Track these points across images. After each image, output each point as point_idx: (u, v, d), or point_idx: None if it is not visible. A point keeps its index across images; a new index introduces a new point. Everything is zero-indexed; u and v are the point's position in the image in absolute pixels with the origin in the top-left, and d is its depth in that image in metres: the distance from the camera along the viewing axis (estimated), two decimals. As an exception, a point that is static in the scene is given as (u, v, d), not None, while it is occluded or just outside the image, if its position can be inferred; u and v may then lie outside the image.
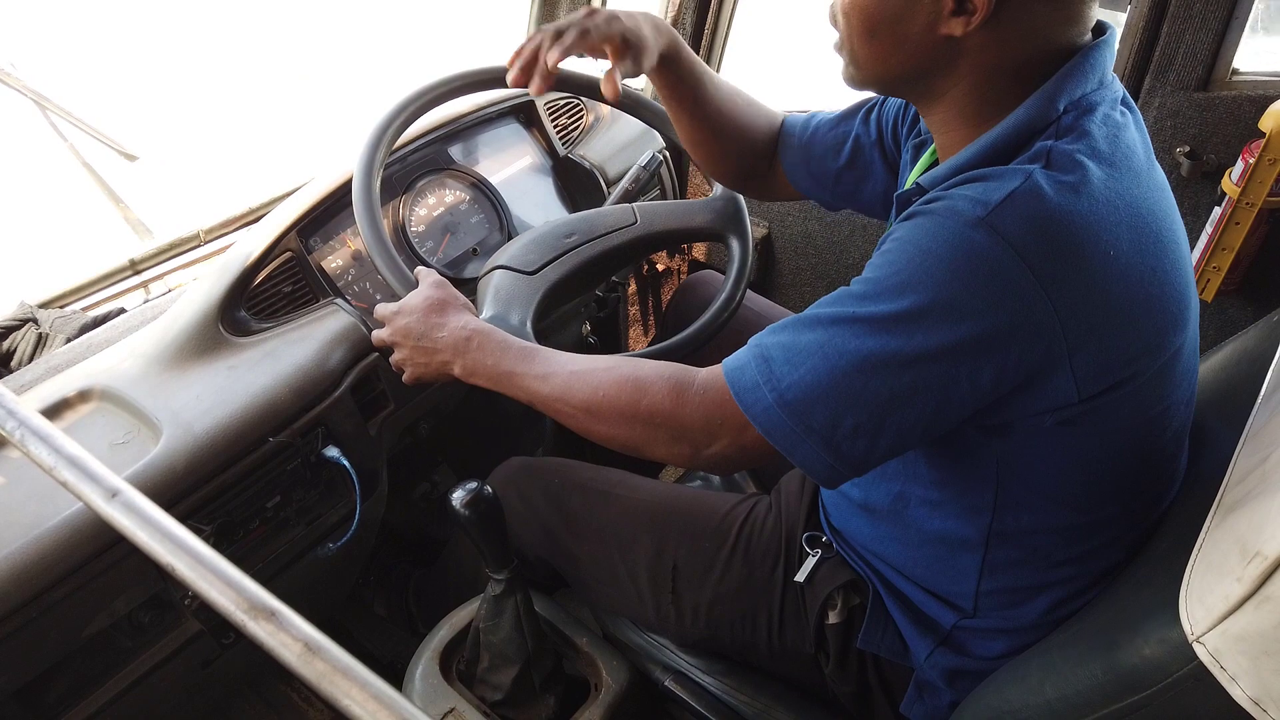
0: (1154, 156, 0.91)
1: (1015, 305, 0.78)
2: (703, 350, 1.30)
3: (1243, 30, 1.44)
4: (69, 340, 1.30)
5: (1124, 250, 0.79)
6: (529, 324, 1.22)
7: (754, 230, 1.38)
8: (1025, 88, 0.86)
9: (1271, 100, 1.40)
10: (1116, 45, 0.91)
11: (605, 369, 0.98)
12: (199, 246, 1.58)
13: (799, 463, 0.87)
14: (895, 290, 0.80)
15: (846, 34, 0.91)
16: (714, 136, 1.26)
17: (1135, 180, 0.83)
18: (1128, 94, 0.93)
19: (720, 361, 0.93)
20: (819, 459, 0.85)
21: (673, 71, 1.17)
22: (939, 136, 0.96)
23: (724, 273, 1.36)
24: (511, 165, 1.63)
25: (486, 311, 1.22)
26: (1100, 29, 0.90)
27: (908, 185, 1.07)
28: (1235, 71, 1.49)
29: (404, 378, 1.15)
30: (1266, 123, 1.37)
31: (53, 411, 1.15)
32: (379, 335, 1.17)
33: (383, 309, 1.16)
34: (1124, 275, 0.80)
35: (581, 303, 1.76)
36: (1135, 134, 0.88)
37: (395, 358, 1.15)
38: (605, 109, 1.81)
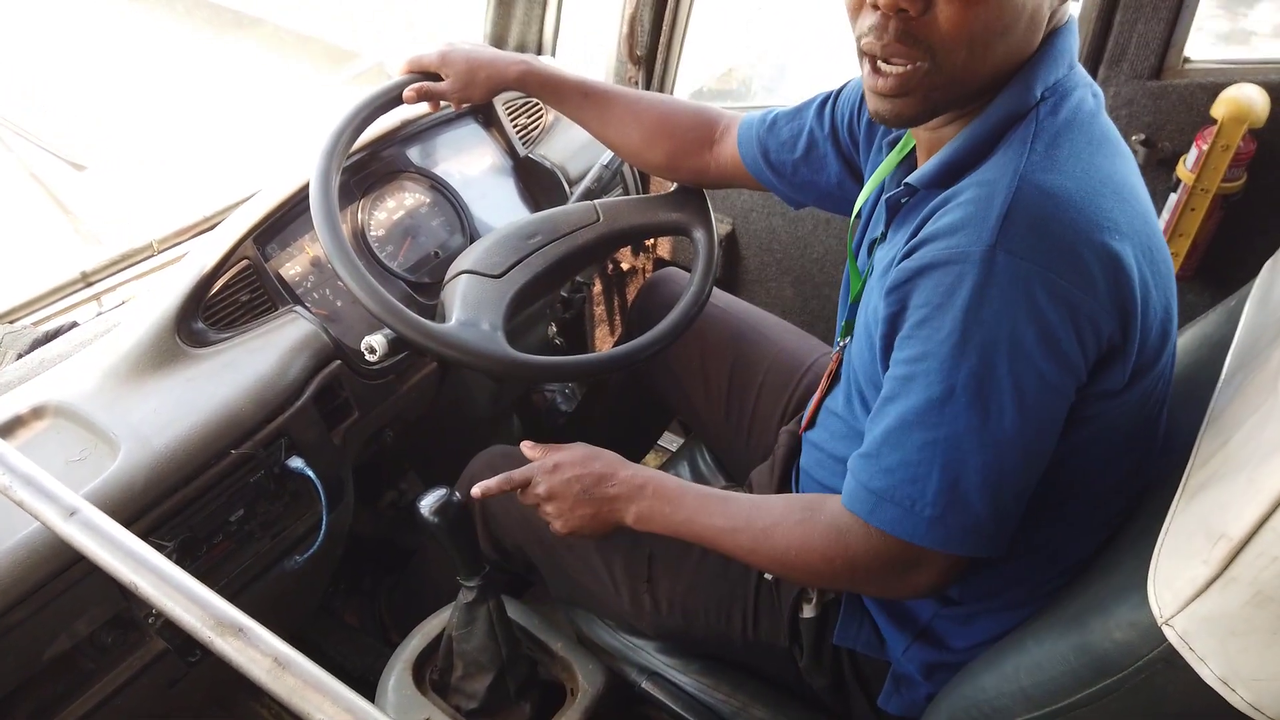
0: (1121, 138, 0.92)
1: (1068, 311, 0.78)
2: (672, 347, 1.30)
3: (1193, 19, 1.46)
4: (20, 356, 1.27)
5: (1124, 231, 0.80)
6: (500, 328, 1.20)
7: (718, 226, 1.38)
8: (1006, 75, 0.86)
9: (1222, 87, 1.42)
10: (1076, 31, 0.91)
11: (794, 523, 0.95)
12: (152, 257, 1.55)
13: (988, 555, 0.86)
14: (957, 353, 0.79)
15: (962, 42, 0.79)
16: (622, 139, 1.35)
17: (1111, 162, 0.84)
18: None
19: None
20: (998, 540, 0.85)
21: (543, 96, 1.37)
22: (925, 133, 0.95)
23: (689, 269, 1.36)
24: (471, 166, 1.62)
25: (456, 317, 1.21)
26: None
27: (875, 182, 1.07)
28: (1187, 60, 1.51)
29: (557, 528, 1.11)
30: (1218, 109, 1.39)
31: (5, 429, 1.12)
32: (538, 492, 1.10)
33: (537, 465, 1.11)
34: (1133, 253, 0.80)
35: (547, 304, 1.75)
36: (1107, 117, 0.89)
37: (550, 509, 1.10)
38: (551, 113, 1.79)
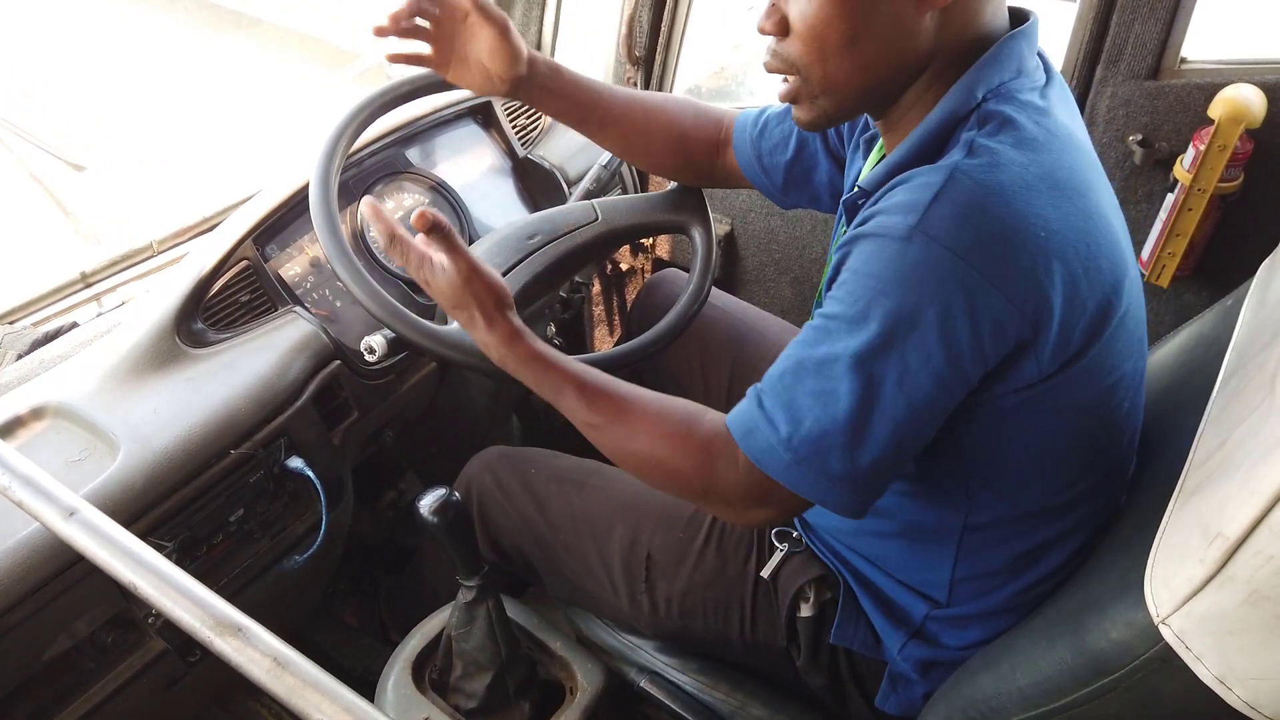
0: (1087, 139, 0.93)
1: (971, 304, 0.79)
2: (671, 347, 1.30)
3: (1190, 19, 1.46)
4: (20, 356, 1.27)
5: (1054, 228, 0.81)
6: None
7: (716, 226, 1.38)
8: (899, 77, 0.89)
9: (1219, 88, 1.42)
10: (1038, 36, 0.92)
11: (663, 434, 0.95)
12: (152, 257, 1.55)
13: (832, 508, 0.88)
14: (860, 319, 0.82)
15: (816, 57, 0.87)
16: (627, 141, 1.29)
17: (1057, 160, 0.84)
18: (1064, 83, 0.95)
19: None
20: (847, 500, 0.87)
21: (537, 94, 1.21)
22: (887, 136, 0.97)
23: (688, 269, 1.36)
24: (470, 167, 1.62)
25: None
26: (1023, 17, 0.92)
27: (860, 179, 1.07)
28: (1184, 60, 1.51)
29: (432, 282, 1.00)
30: (1215, 110, 1.40)
31: (5, 430, 1.12)
32: (428, 278, 0.99)
33: (449, 266, 0.98)
34: (1061, 252, 0.81)
35: (546, 304, 1.75)
36: (1063, 118, 0.89)
37: (430, 289, 1.00)
38: None
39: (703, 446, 0.93)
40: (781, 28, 0.88)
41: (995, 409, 0.88)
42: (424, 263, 0.99)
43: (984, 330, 0.80)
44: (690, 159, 1.32)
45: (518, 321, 1.01)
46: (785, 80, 0.92)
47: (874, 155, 1.06)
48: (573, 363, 1.01)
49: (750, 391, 0.91)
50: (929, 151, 0.88)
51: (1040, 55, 0.93)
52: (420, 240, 0.99)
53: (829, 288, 0.89)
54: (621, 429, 0.97)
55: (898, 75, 0.89)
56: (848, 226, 0.99)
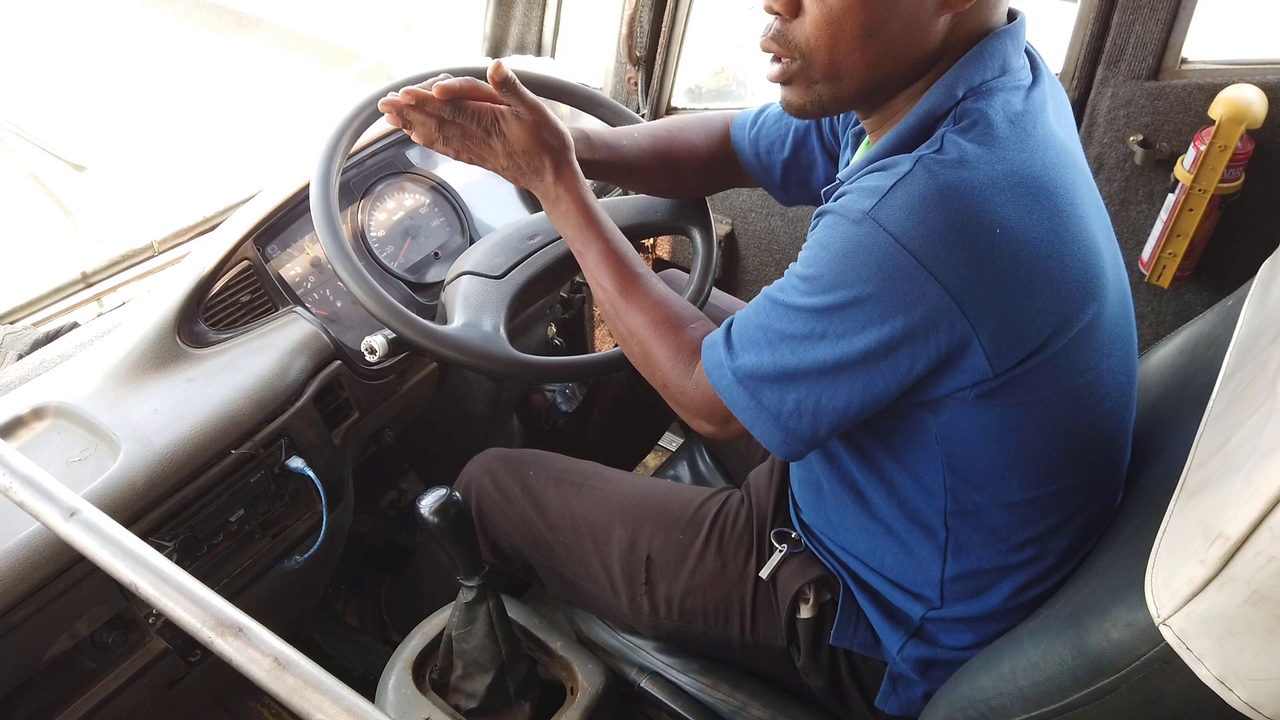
0: (1072, 139, 0.93)
1: (909, 291, 0.81)
2: None
3: (1191, 19, 1.46)
4: (21, 356, 1.27)
5: (1012, 226, 0.81)
6: (502, 329, 1.21)
7: (717, 226, 1.38)
8: (901, 72, 0.89)
9: (1220, 88, 1.42)
10: (1024, 35, 0.92)
11: (652, 323, 1.04)
12: (153, 257, 1.55)
13: (758, 436, 0.94)
14: (809, 283, 0.87)
15: (826, 43, 0.85)
16: (656, 179, 1.31)
17: (1028, 159, 0.84)
18: (1057, 83, 0.95)
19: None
20: (772, 433, 0.92)
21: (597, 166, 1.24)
22: (872, 131, 0.98)
23: (688, 269, 1.36)
24: (471, 167, 1.61)
25: (458, 318, 1.21)
26: (1011, 16, 0.92)
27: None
28: (1185, 60, 1.51)
29: (449, 152, 1.09)
30: (1216, 110, 1.40)
31: (6, 430, 1.12)
32: (481, 134, 1.05)
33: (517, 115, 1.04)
34: (1015, 250, 0.81)
35: (546, 304, 1.75)
36: (1046, 118, 0.89)
37: (520, 151, 1.06)
38: (565, 108, 1.80)
39: (679, 345, 1.02)
40: (792, 8, 0.86)
41: (958, 402, 0.89)
42: (496, 120, 1.05)
43: (917, 317, 0.81)
44: (712, 175, 1.33)
45: (578, 168, 1.09)
46: (778, 60, 0.90)
47: (863, 148, 1.06)
48: (610, 228, 1.09)
49: (730, 316, 0.97)
50: (906, 147, 0.88)
51: (1032, 55, 0.93)
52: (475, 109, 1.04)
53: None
54: (622, 301, 1.06)
55: (902, 73, 0.89)
56: None
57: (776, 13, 0.87)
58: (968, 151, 0.82)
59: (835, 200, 0.87)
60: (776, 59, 0.91)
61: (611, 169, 1.26)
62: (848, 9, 0.83)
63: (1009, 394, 0.87)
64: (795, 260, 0.90)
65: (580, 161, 1.15)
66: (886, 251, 0.80)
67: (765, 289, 0.93)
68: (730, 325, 0.95)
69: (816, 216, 0.89)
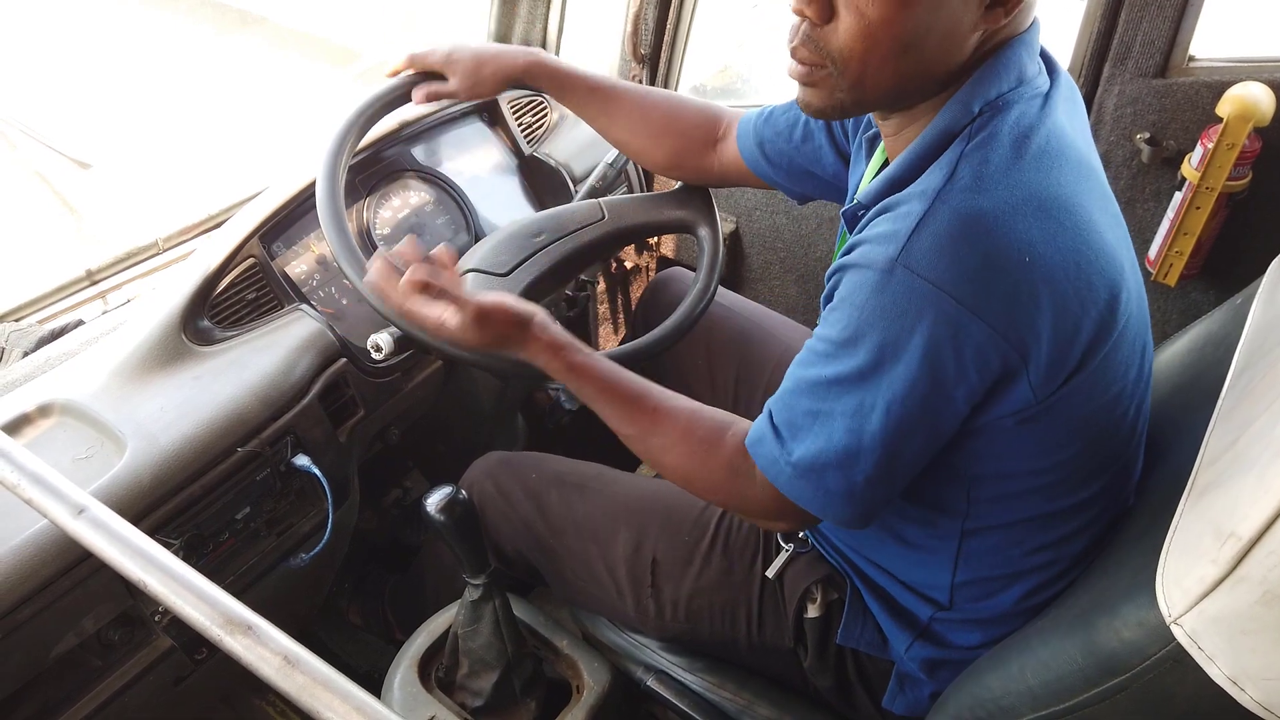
0: (1088, 144, 0.92)
1: (955, 335, 0.79)
2: (677, 346, 1.30)
3: (1198, 17, 1.46)
4: (26, 354, 1.27)
5: (1039, 251, 0.80)
6: None
7: (722, 225, 1.38)
8: (931, 83, 0.87)
9: (1227, 86, 1.42)
10: (1038, 41, 0.90)
11: (688, 451, 1.00)
12: (158, 255, 1.55)
13: (834, 521, 0.93)
14: (849, 346, 0.84)
15: (860, 53, 0.82)
16: (627, 136, 1.34)
17: (1045, 178, 0.83)
18: (1072, 83, 0.94)
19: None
20: (845, 511, 0.91)
21: (549, 89, 1.33)
22: (889, 140, 0.96)
23: (694, 268, 1.36)
24: (476, 165, 1.62)
25: None
26: None
27: (861, 189, 1.07)
28: (1192, 58, 1.51)
29: (452, 339, 1.02)
30: (1223, 108, 1.39)
31: (13, 427, 1.12)
32: (442, 323, 0.99)
33: (457, 317, 1.00)
34: (1047, 275, 0.80)
35: (551, 303, 1.75)
36: (1061, 128, 0.87)
37: (446, 334, 1.01)
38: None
39: (727, 462, 0.98)
40: (825, 14, 0.82)
41: (995, 429, 0.88)
42: (440, 320, 1.00)
43: (967, 358, 0.80)
44: (688, 147, 1.33)
45: (550, 332, 1.03)
46: (805, 63, 0.86)
47: (875, 160, 1.05)
48: (608, 371, 1.04)
49: (766, 405, 0.95)
50: (923, 166, 0.87)
51: (1046, 57, 0.91)
52: (419, 300, 1.00)
53: (824, 305, 0.91)
54: (654, 440, 1.02)
55: (928, 86, 0.87)
56: (850, 233, 0.99)
57: (807, 17, 0.83)
58: (984, 175, 0.81)
59: (853, 253, 0.85)
60: (802, 60, 0.87)
61: (578, 95, 1.33)
62: (886, 23, 0.79)
63: (1044, 418, 0.86)
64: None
65: (549, 90, 1.32)
66: (925, 296, 0.79)
67: (797, 366, 0.91)
68: (771, 415, 0.93)
69: (837, 271, 0.87)
